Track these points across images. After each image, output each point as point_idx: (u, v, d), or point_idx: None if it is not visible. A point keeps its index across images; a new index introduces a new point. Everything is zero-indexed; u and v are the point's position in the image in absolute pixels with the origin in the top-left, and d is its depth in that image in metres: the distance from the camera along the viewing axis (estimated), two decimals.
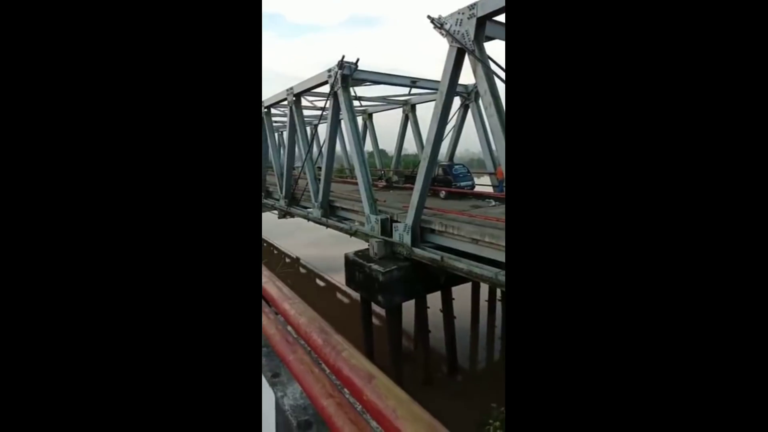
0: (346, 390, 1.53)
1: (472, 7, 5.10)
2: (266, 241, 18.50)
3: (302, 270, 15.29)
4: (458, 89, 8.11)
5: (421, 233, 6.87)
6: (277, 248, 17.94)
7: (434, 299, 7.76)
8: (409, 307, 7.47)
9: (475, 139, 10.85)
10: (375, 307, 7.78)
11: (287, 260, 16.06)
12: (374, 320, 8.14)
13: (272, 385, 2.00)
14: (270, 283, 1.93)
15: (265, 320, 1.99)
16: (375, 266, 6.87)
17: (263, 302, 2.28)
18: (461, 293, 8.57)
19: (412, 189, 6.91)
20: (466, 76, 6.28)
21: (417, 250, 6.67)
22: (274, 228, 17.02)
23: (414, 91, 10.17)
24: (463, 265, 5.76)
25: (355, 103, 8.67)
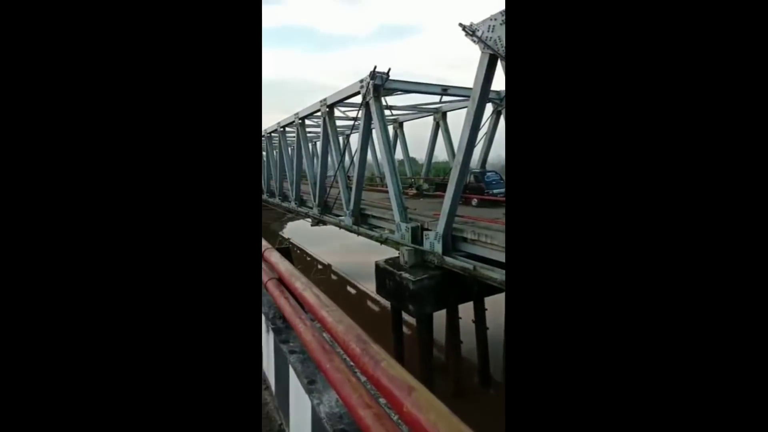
0: (381, 400, 1.53)
1: (504, 12, 5.05)
2: (299, 248, 18.96)
3: (333, 277, 15.50)
4: (491, 95, 7.99)
5: (452, 242, 6.77)
6: (310, 255, 18.33)
7: (466, 309, 7.59)
8: (440, 317, 7.36)
9: None
10: (406, 316, 7.73)
11: (319, 267, 16.36)
12: (405, 329, 8.08)
13: (309, 392, 2.03)
14: (308, 291, 1.98)
15: (302, 327, 2.03)
16: (405, 274, 6.84)
17: (300, 309, 2.33)
18: (494, 304, 8.33)
19: (442, 197, 6.84)
20: (499, 83, 6.19)
21: (448, 259, 6.58)
22: (308, 235, 17.42)
23: (445, 98, 10.14)
24: (496, 274, 5.60)
25: (387, 112, 8.78)
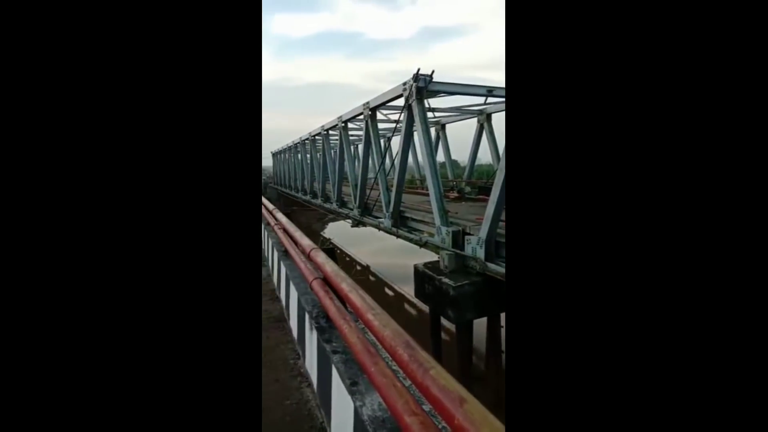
0: (425, 407, 1.49)
1: None
2: (339, 249, 19.37)
3: (372, 278, 15.62)
4: None
5: (496, 247, 6.54)
6: (349, 255, 18.64)
7: None
8: (480, 325, 7.13)
9: None
10: (444, 322, 7.58)
11: (358, 268, 16.57)
12: (443, 335, 7.93)
13: (351, 393, 2.04)
14: (354, 293, 2.00)
15: (346, 328, 2.06)
16: (446, 279, 6.71)
17: (345, 310, 2.36)
18: None
19: (485, 200, 6.64)
20: None
21: (491, 266, 6.36)
22: (348, 236, 17.72)
23: (490, 99, 9.85)
24: None
25: (429, 114, 8.68)
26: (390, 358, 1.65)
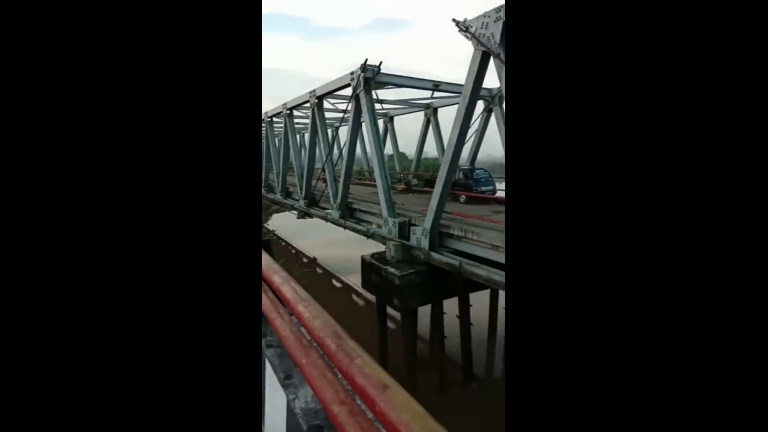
0: (357, 396, 1.49)
1: (498, 9, 5.01)
2: (284, 241, 18.78)
3: (319, 270, 15.41)
4: (482, 93, 7.97)
5: (439, 238, 6.78)
6: (295, 248, 18.16)
7: (451, 305, 7.63)
8: (425, 312, 7.38)
9: (498, 143, 10.64)
10: (390, 311, 7.73)
11: (305, 260, 16.23)
12: (389, 324, 8.09)
13: (284, 386, 1.99)
14: (286, 285, 1.93)
15: (279, 321, 1.98)
16: (391, 269, 6.83)
17: (279, 303, 2.28)
18: (479, 300, 8.40)
19: (431, 193, 6.83)
20: (491, 80, 6.16)
21: (435, 255, 6.59)
22: (294, 228, 17.23)
23: (437, 94, 10.10)
24: (482, 271, 5.63)
25: (377, 105, 8.68)
26: (321, 350, 1.62)
